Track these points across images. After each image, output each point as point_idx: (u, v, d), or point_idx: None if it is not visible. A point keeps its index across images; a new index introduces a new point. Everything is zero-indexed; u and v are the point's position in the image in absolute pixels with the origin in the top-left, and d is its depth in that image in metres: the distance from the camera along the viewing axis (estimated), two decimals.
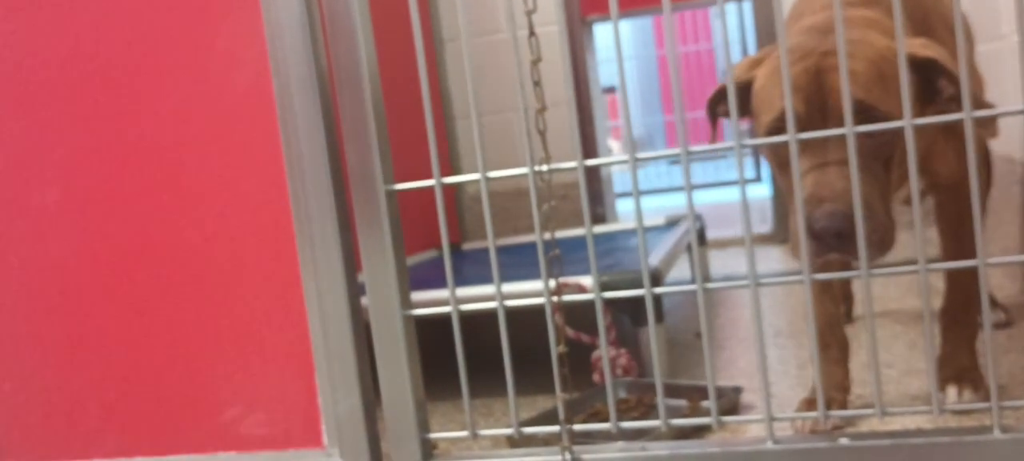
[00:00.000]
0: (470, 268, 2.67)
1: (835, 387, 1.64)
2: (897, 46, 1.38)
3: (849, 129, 1.18)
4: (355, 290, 1.44)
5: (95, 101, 1.54)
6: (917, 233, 1.18)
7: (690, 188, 1.26)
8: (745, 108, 1.50)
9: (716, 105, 1.56)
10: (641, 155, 1.27)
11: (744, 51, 6.67)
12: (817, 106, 1.34)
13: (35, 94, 1.57)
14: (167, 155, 1.51)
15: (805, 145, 1.34)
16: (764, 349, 1.25)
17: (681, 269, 3.51)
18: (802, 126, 1.34)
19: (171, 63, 1.49)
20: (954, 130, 1.56)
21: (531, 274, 2.21)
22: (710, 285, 1.26)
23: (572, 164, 1.30)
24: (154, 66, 1.50)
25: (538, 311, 1.41)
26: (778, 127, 1.39)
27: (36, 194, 1.58)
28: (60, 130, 1.56)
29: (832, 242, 1.28)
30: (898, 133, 1.34)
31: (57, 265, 1.58)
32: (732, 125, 1.23)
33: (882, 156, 1.36)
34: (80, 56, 1.53)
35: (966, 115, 1.15)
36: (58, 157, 1.57)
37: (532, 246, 2.99)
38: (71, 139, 1.56)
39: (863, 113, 1.31)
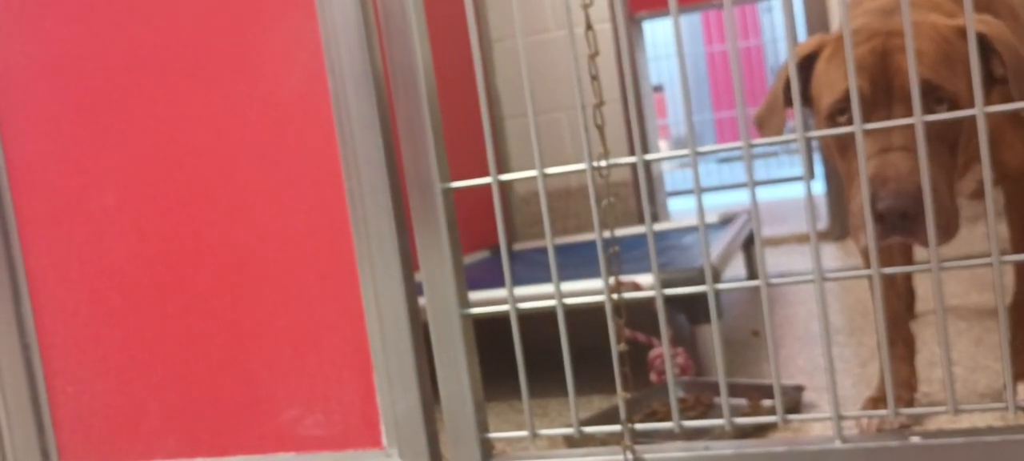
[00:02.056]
0: (521, 269, 2.65)
1: (901, 385, 1.60)
2: (959, 26, 1.34)
3: (918, 119, 1.15)
4: (412, 289, 1.43)
5: (151, 104, 1.55)
6: (990, 225, 1.15)
7: (753, 183, 1.23)
8: (805, 94, 1.47)
9: (786, 88, 1.52)
10: (702, 149, 1.24)
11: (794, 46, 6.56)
12: (882, 87, 1.32)
13: (92, 98, 1.58)
14: (223, 157, 1.52)
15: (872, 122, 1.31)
16: (830, 345, 1.22)
17: (735, 267, 3.47)
18: (867, 107, 1.32)
19: (227, 65, 1.50)
20: (1023, 118, 1.52)
21: (583, 274, 2.19)
22: (774, 282, 1.24)
23: (631, 159, 1.28)
24: (210, 69, 1.51)
25: (590, 310, 1.39)
26: (840, 108, 1.36)
27: (94, 198, 1.60)
28: (117, 133, 1.58)
29: (896, 223, 1.24)
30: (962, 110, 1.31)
31: (116, 268, 1.60)
32: (796, 119, 1.20)
33: (948, 139, 1.33)
34: (136, 60, 1.55)
35: None
36: (115, 160, 1.58)
37: (582, 246, 2.97)
38: (128, 142, 1.57)
39: (929, 93, 1.29)
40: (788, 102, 1.52)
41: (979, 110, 1.14)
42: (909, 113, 1.30)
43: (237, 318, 1.54)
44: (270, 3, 1.46)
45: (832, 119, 1.38)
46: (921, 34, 1.33)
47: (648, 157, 1.28)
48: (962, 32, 1.34)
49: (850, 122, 1.36)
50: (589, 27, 1.30)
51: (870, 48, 1.33)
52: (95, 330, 1.62)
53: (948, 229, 1.29)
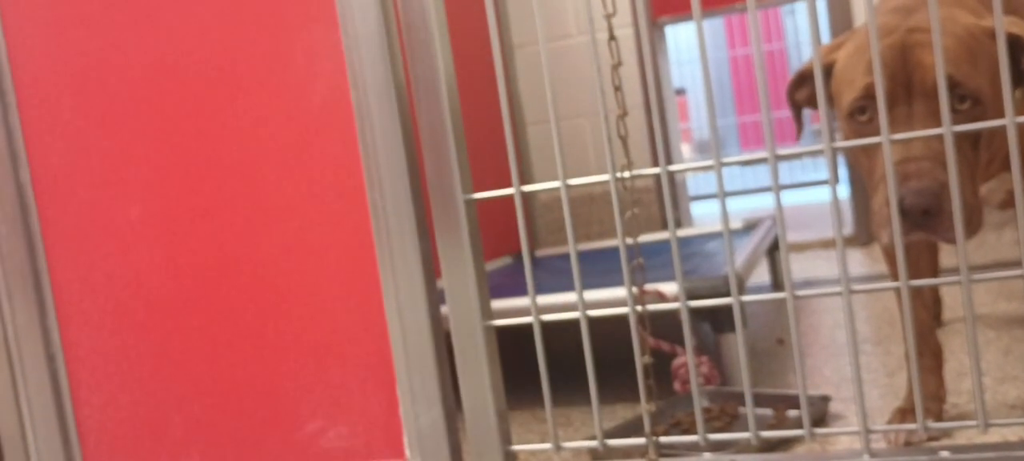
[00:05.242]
0: (544, 275, 2.65)
1: (929, 397, 1.58)
2: (985, 24, 1.33)
3: (946, 129, 1.13)
4: (435, 300, 1.43)
5: (176, 117, 1.55)
6: (1022, 234, 1.13)
7: (778, 189, 1.22)
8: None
9: (795, 92, 1.52)
10: (726, 160, 1.23)
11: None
12: (902, 82, 1.31)
13: (117, 111, 1.59)
14: (247, 168, 1.52)
15: (894, 123, 1.31)
16: (857, 358, 1.20)
17: (760, 273, 3.44)
18: (887, 103, 1.31)
19: (250, 76, 1.50)
20: None
21: (606, 281, 2.18)
22: (801, 293, 1.22)
23: (656, 170, 1.27)
24: (233, 80, 1.51)
25: (614, 318, 1.38)
26: (861, 105, 1.36)
27: (119, 210, 1.61)
28: (141, 146, 1.58)
29: (919, 220, 1.25)
30: (985, 112, 1.30)
31: (140, 280, 1.61)
32: (822, 125, 1.19)
33: (970, 135, 1.32)
34: (160, 73, 1.55)
35: None
36: (140, 173, 1.59)
37: (605, 252, 2.96)
38: (152, 155, 1.58)
39: (952, 89, 1.28)
40: (800, 110, 1.52)
41: (1010, 119, 1.12)
42: (930, 108, 1.29)
43: (260, 330, 1.54)
44: (293, 16, 1.46)
45: (853, 116, 1.38)
46: (943, 30, 1.32)
47: (672, 168, 1.26)
48: (989, 32, 1.33)
49: (871, 118, 1.36)
50: (611, 37, 1.29)
51: (889, 44, 1.33)
52: (120, 342, 1.63)
53: (970, 225, 1.29)
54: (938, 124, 1.28)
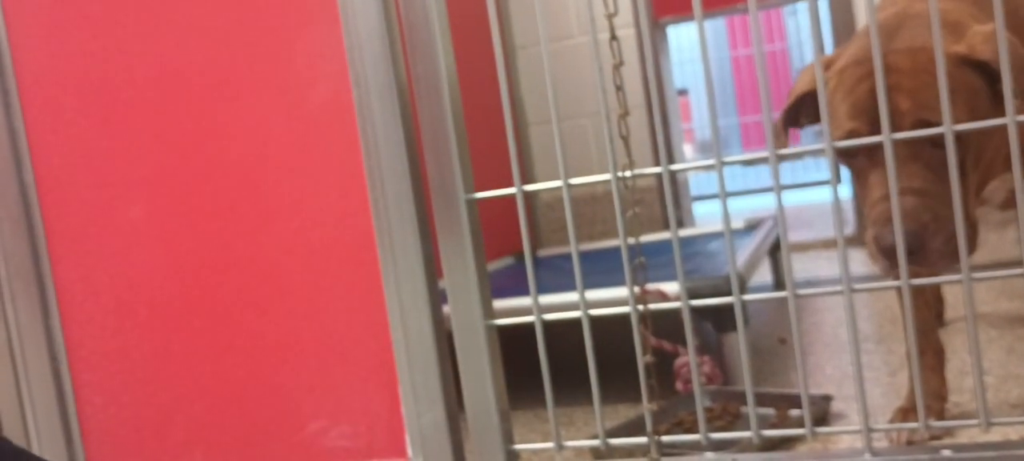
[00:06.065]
0: (547, 275, 2.65)
1: (932, 395, 1.58)
2: (952, 52, 1.33)
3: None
4: (437, 300, 1.43)
5: (178, 117, 1.56)
6: (1023, 234, 1.13)
7: (780, 189, 1.22)
8: (814, 115, 1.49)
9: (799, 115, 1.52)
10: (728, 159, 1.23)
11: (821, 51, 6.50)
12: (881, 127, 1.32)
13: (120, 111, 1.59)
14: (249, 168, 1.52)
15: (876, 162, 1.32)
16: (859, 357, 1.21)
17: (762, 273, 3.44)
18: (868, 148, 1.33)
19: (252, 77, 1.50)
20: None
21: (609, 280, 2.18)
22: (802, 292, 1.22)
23: (657, 169, 1.27)
24: (235, 80, 1.51)
25: (616, 317, 1.38)
26: (845, 147, 1.37)
27: (122, 210, 1.61)
28: (144, 146, 1.59)
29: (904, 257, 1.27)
30: (967, 145, 1.31)
31: (143, 280, 1.61)
32: (823, 126, 1.19)
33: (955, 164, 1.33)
34: (163, 74, 1.56)
35: None
36: (142, 173, 1.59)
37: (608, 252, 2.96)
38: (155, 155, 1.58)
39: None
40: (792, 123, 1.53)
41: (1010, 119, 1.12)
42: (910, 150, 1.31)
43: (263, 330, 1.54)
44: (295, 16, 1.46)
45: (841, 154, 1.39)
46: (918, 68, 1.32)
47: (673, 167, 1.27)
48: (960, 59, 1.34)
49: (857, 155, 1.38)
50: (613, 37, 1.29)
51: (868, 88, 1.33)
52: (122, 342, 1.63)
53: (958, 253, 1.30)
54: (919, 164, 1.30)
